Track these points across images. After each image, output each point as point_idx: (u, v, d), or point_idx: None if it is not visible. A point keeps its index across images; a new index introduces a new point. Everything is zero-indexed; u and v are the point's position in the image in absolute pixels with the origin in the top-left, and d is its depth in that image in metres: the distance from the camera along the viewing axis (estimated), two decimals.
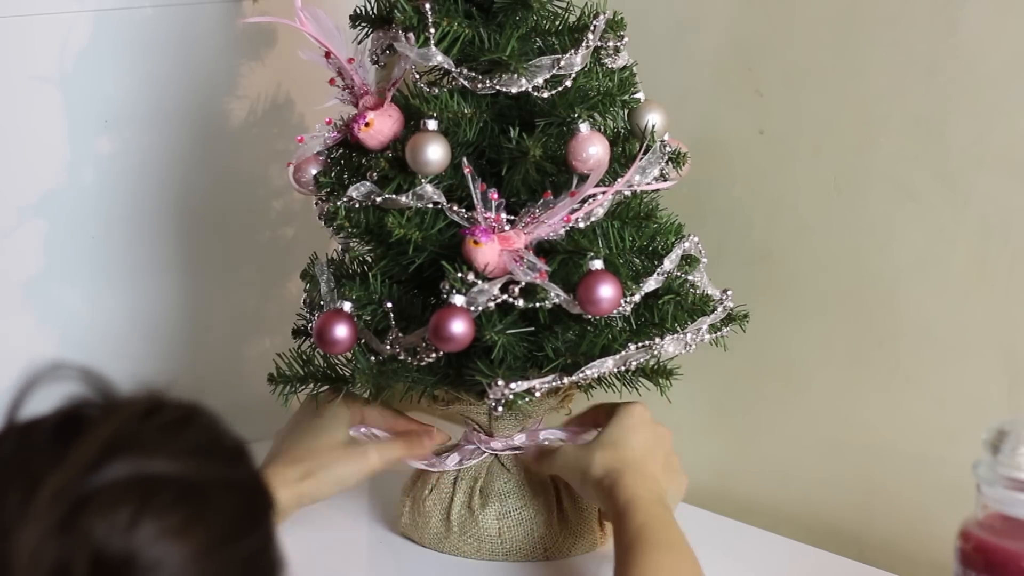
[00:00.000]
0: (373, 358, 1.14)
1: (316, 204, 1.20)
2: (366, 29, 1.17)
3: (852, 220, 1.25)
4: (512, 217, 1.09)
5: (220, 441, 0.63)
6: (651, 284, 1.13)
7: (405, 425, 1.22)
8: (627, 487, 1.08)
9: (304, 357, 1.20)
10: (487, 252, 1.07)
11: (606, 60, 1.16)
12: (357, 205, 1.14)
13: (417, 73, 1.13)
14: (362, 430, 1.21)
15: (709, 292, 1.18)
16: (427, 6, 1.10)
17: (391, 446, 1.19)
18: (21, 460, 0.59)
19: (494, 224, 1.08)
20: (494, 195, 1.09)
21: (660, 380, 1.18)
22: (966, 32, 1.16)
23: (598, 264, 1.08)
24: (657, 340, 1.13)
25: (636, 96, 1.17)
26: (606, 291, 1.07)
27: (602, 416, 1.18)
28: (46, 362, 0.63)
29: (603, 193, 1.11)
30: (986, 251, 1.17)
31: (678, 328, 1.14)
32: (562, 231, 1.10)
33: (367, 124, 1.13)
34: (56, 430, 0.61)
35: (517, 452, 1.23)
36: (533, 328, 1.11)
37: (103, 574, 0.57)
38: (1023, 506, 0.91)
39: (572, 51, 1.11)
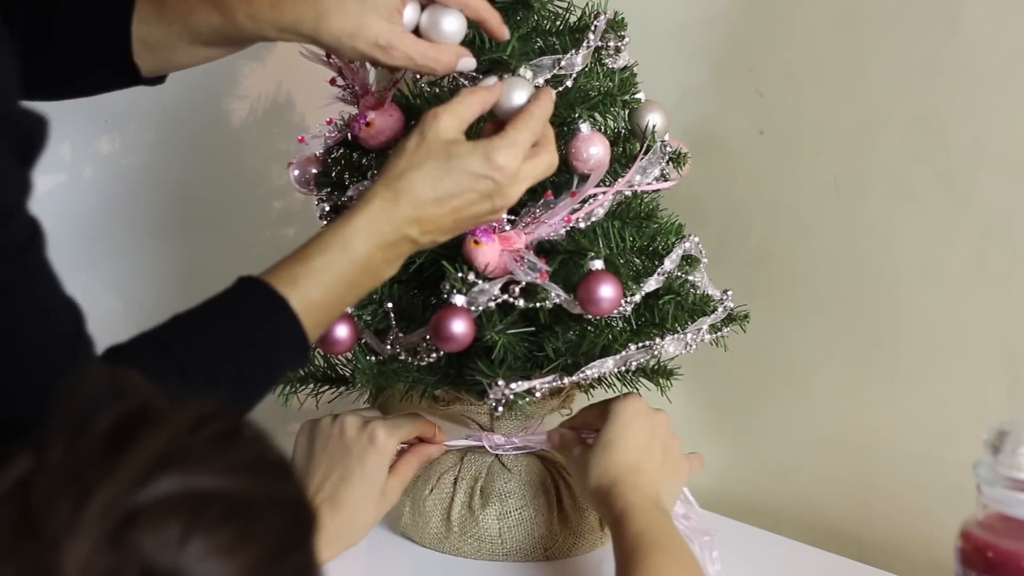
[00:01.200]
0: (373, 358, 1.14)
1: (316, 204, 1.20)
2: None
3: (852, 220, 1.25)
4: (512, 217, 1.10)
5: (267, 456, 0.62)
6: (651, 284, 1.13)
7: (424, 429, 1.20)
8: (622, 495, 1.07)
9: None
10: (487, 252, 1.07)
11: (607, 60, 1.16)
12: None
13: (417, 73, 1.13)
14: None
15: (709, 292, 1.18)
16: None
17: (411, 469, 1.17)
18: (70, 469, 0.58)
19: (494, 224, 1.08)
20: None
21: (660, 380, 1.19)
22: (966, 32, 1.16)
23: (598, 264, 1.09)
24: (657, 340, 1.13)
25: (637, 96, 1.17)
26: (606, 291, 1.07)
27: (594, 416, 1.17)
28: (89, 365, 0.62)
29: (603, 193, 1.11)
30: (986, 251, 1.17)
31: (678, 328, 1.14)
32: (562, 231, 1.10)
33: (368, 124, 1.13)
34: (106, 438, 0.60)
35: (519, 452, 1.23)
36: (533, 328, 1.11)
37: None
38: (1023, 506, 0.91)
39: (573, 51, 1.11)
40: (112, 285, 1.41)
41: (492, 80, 1.04)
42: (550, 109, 1.02)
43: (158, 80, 1.11)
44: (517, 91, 1.03)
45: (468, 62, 1.04)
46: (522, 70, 1.07)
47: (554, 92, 1.04)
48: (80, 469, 0.58)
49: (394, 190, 0.97)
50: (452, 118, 0.99)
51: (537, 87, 1.04)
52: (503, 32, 1.06)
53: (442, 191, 0.97)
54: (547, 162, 1.00)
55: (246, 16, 1.02)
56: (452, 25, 1.03)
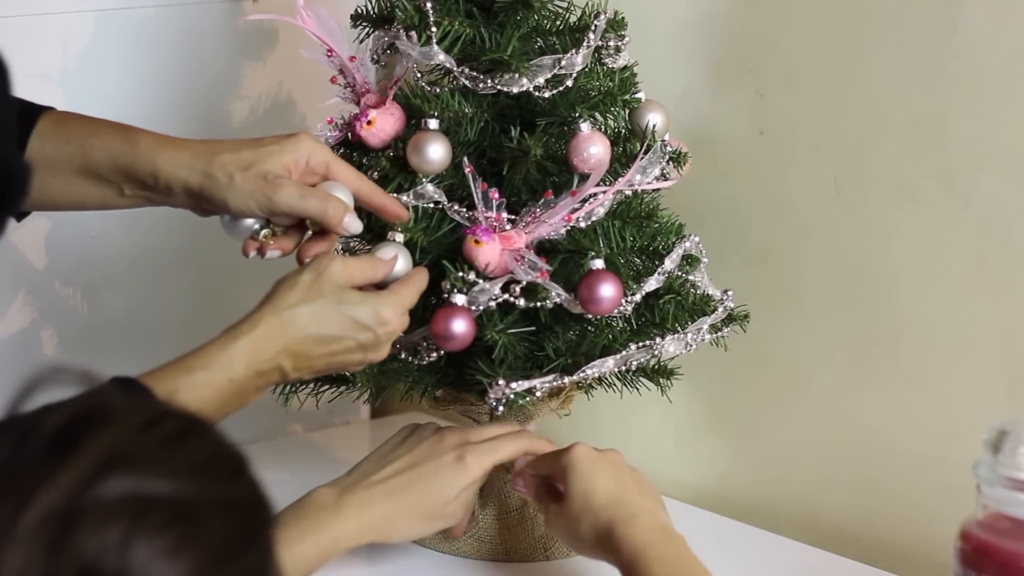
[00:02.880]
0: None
1: None
2: (367, 28, 1.17)
3: (852, 220, 1.25)
4: (513, 216, 1.10)
5: (219, 456, 0.62)
6: (652, 284, 1.13)
7: (533, 446, 1.15)
8: (626, 537, 1.02)
9: None
10: (488, 251, 1.07)
11: (607, 60, 1.16)
12: (357, 204, 1.14)
13: (418, 72, 1.13)
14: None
15: (710, 292, 1.18)
16: (428, 5, 1.10)
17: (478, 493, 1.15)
18: (14, 470, 0.58)
19: (495, 223, 1.08)
20: (495, 194, 1.09)
21: (660, 380, 1.19)
22: (966, 32, 1.16)
23: (599, 264, 1.09)
24: (658, 340, 1.13)
25: (637, 96, 1.17)
26: (607, 291, 1.07)
27: (548, 465, 1.12)
28: (47, 364, 0.62)
29: (604, 192, 1.11)
30: (986, 251, 1.17)
31: (679, 328, 1.14)
32: (563, 230, 1.10)
33: (369, 123, 1.13)
34: (53, 439, 0.59)
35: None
36: (534, 328, 1.11)
37: None
38: (1023, 506, 0.91)
39: (573, 51, 1.11)
40: (112, 284, 1.41)
41: (391, 252, 1.07)
42: (425, 283, 1.07)
43: (20, 213, 1.10)
44: (402, 261, 1.08)
45: (354, 225, 1.06)
46: (396, 236, 1.10)
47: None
48: (24, 471, 0.57)
49: (282, 319, 1.00)
50: (344, 270, 1.02)
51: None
52: (402, 213, 1.10)
53: (326, 331, 1.01)
54: (405, 325, 1.05)
55: (148, 145, 1.05)
56: (343, 194, 1.07)
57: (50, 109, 1.09)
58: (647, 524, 1.03)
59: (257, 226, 1.07)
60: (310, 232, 1.07)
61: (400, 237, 1.10)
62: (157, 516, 0.57)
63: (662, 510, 1.08)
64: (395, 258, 1.07)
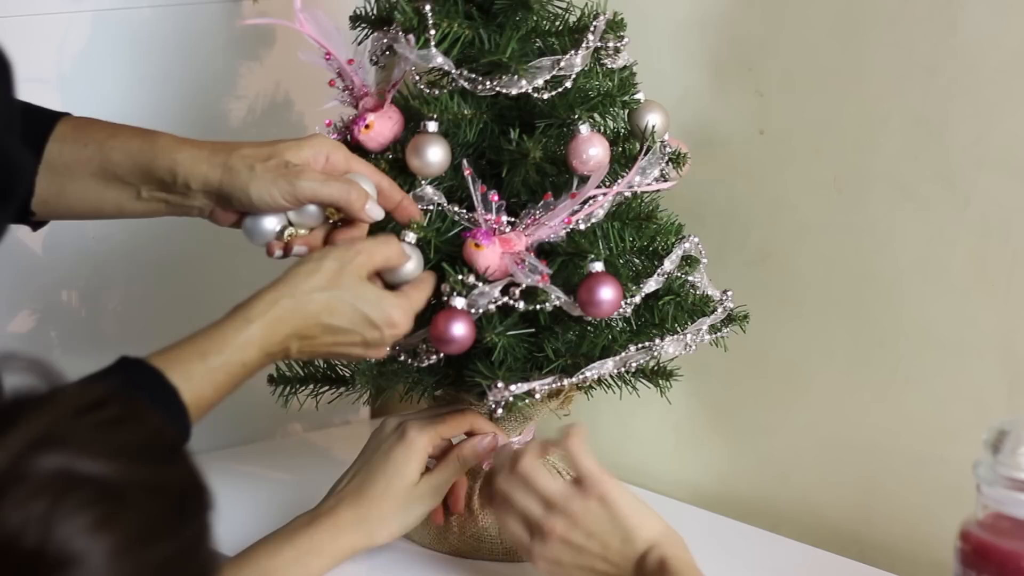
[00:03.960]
0: (373, 359, 1.13)
1: None
2: (366, 30, 1.17)
3: (852, 220, 1.25)
4: (512, 219, 1.10)
5: (154, 442, 0.63)
6: (651, 285, 1.13)
7: (478, 424, 1.17)
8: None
9: None
10: (489, 255, 1.07)
11: (606, 61, 1.16)
12: None
13: (417, 74, 1.13)
14: None
15: (709, 293, 1.18)
16: (427, 7, 1.10)
17: (450, 470, 1.14)
18: None
19: (495, 226, 1.08)
20: (494, 197, 1.09)
21: (660, 381, 1.19)
22: (966, 32, 1.16)
23: (598, 266, 1.08)
24: (657, 341, 1.13)
25: (636, 96, 1.17)
26: (606, 293, 1.07)
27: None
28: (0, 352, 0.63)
29: (604, 195, 1.10)
30: (986, 251, 1.17)
31: (678, 329, 1.14)
32: (563, 233, 1.10)
33: (367, 126, 1.13)
34: None
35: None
36: (533, 329, 1.11)
37: (12, 563, 0.58)
38: (1023, 506, 0.91)
39: (572, 52, 1.11)
40: (112, 284, 1.41)
41: (412, 238, 1.09)
42: (433, 287, 1.07)
43: (37, 222, 1.10)
44: (414, 260, 1.08)
45: (376, 211, 1.07)
46: (409, 236, 1.09)
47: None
48: None
49: (297, 302, 1.00)
50: (369, 262, 1.03)
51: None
52: (415, 212, 1.10)
53: (337, 322, 1.01)
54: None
55: (167, 143, 1.04)
56: (365, 183, 1.07)
57: (67, 115, 1.08)
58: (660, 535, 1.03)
59: (280, 227, 1.07)
60: (332, 223, 1.07)
61: (412, 237, 1.10)
62: (83, 493, 0.59)
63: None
64: (415, 250, 1.07)
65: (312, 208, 1.06)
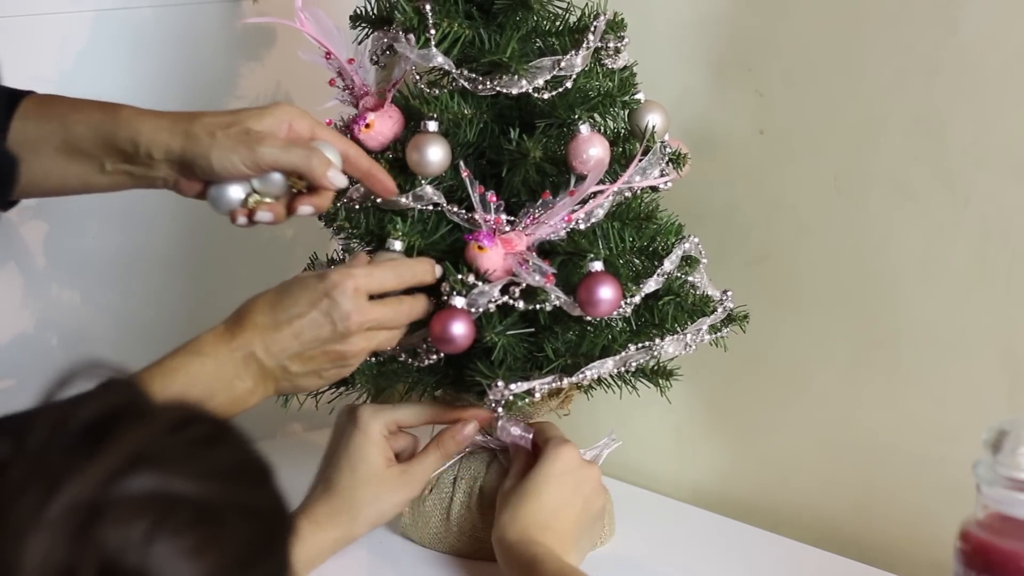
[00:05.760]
0: (373, 359, 1.14)
1: None
2: (366, 30, 1.17)
3: (852, 220, 1.25)
4: (512, 218, 1.10)
5: (246, 463, 0.63)
6: (651, 285, 1.13)
7: (441, 415, 1.18)
8: (527, 547, 1.07)
9: None
10: (492, 257, 1.07)
11: (606, 61, 1.16)
12: (357, 206, 1.14)
13: (417, 74, 1.13)
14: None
15: (709, 293, 1.18)
16: (427, 7, 1.10)
17: (430, 460, 1.15)
18: (45, 458, 0.59)
19: (494, 227, 1.08)
20: (493, 197, 1.09)
21: (660, 381, 1.19)
22: (966, 32, 1.16)
23: (598, 266, 1.09)
24: (657, 341, 1.13)
25: (636, 97, 1.17)
26: (606, 293, 1.07)
27: (540, 441, 1.16)
28: (84, 359, 0.62)
29: (603, 192, 1.11)
30: (986, 251, 1.17)
31: (678, 329, 1.14)
32: (563, 232, 1.10)
33: (367, 125, 1.13)
34: (85, 432, 0.60)
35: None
36: (533, 329, 1.11)
37: None
38: (1023, 506, 0.91)
39: (572, 52, 1.11)
40: (111, 285, 1.41)
41: (398, 247, 1.09)
42: (420, 275, 1.05)
43: (6, 202, 1.09)
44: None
45: (339, 179, 1.05)
46: (394, 244, 1.09)
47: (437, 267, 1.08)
48: (54, 460, 0.58)
49: (238, 313, 1.01)
50: (366, 287, 1.03)
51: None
52: (388, 183, 1.09)
53: (281, 314, 1.00)
54: (393, 316, 1.04)
55: (129, 114, 1.03)
56: (330, 152, 1.05)
57: (31, 93, 1.08)
58: (550, 546, 1.07)
59: (243, 194, 1.05)
60: (296, 192, 1.06)
61: (399, 245, 1.10)
62: (181, 515, 0.58)
63: (584, 543, 1.12)
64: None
65: (276, 176, 1.05)
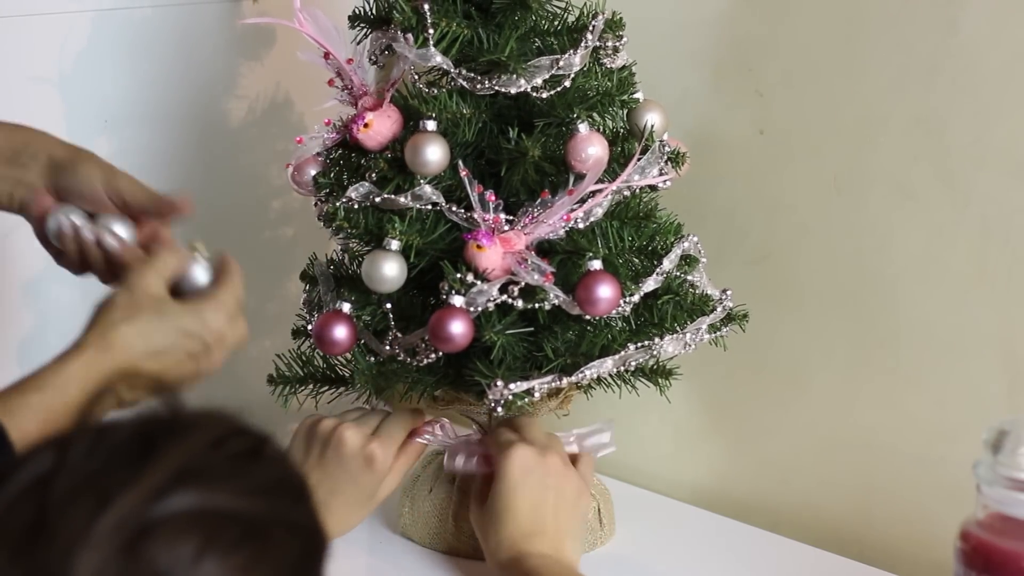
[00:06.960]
0: (372, 359, 1.14)
1: (315, 205, 1.20)
2: (365, 29, 1.17)
3: (852, 220, 1.25)
4: (511, 217, 1.09)
5: (285, 478, 0.62)
6: (650, 284, 1.13)
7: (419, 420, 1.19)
8: (525, 559, 1.06)
9: (304, 358, 1.20)
10: (491, 256, 1.07)
11: (605, 60, 1.16)
12: (356, 206, 1.14)
13: (416, 74, 1.13)
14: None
15: (708, 292, 1.18)
16: (426, 7, 1.10)
17: (407, 461, 1.16)
18: (90, 472, 0.58)
19: (493, 226, 1.08)
20: (491, 196, 1.09)
21: (659, 380, 1.18)
22: (966, 32, 1.16)
23: (597, 264, 1.08)
24: (656, 340, 1.13)
25: (635, 96, 1.17)
26: (605, 291, 1.07)
27: (494, 451, 1.15)
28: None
29: (602, 191, 1.10)
30: (986, 251, 1.17)
31: (677, 328, 1.14)
32: (562, 231, 1.10)
33: (366, 125, 1.13)
34: (128, 445, 0.59)
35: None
36: (532, 328, 1.11)
37: None
38: (1023, 506, 0.91)
39: (571, 51, 1.11)
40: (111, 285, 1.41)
41: (396, 246, 1.09)
42: (240, 281, 1.03)
43: None
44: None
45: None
46: (392, 245, 1.09)
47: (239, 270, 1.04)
48: (100, 474, 0.58)
49: (107, 340, 0.96)
50: (157, 280, 0.99)
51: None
52: (181, 206, 1.07)
53: (154, 345, 0.97)
54: (243, 332, 1.01)
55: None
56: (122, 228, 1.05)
57: None
58: (544, 551, 1.07)
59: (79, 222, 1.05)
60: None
61: (395, 245, 1.09)
62: (230, 533, 0.58)
63: (569, 539, 1.10)
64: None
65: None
